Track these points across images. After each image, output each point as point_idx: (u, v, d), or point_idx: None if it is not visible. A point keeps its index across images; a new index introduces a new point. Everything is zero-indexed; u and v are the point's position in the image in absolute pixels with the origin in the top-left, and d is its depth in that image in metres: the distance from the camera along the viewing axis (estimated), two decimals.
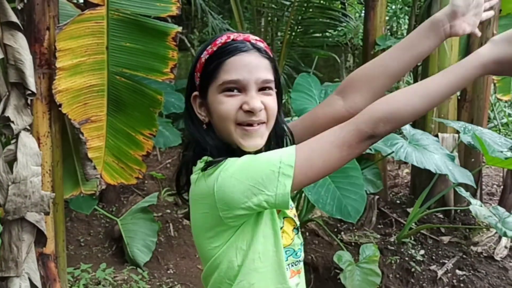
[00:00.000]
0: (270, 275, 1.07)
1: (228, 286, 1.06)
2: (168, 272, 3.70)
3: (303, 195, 3.44)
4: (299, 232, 1.15)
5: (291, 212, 1.13)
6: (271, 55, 1.07)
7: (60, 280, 2.25)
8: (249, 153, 1.04)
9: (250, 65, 1.01)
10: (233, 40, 1.03)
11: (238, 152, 1.05)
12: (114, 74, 2.20)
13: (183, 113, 5.35)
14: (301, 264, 1.15)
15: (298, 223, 1.14)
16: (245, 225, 1.03)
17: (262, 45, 1.06)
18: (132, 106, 2.26)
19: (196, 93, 1.08)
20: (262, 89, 1.04)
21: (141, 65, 2.20)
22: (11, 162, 1.64)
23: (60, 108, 2.08)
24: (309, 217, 3.84)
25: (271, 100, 1.05)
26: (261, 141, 1.05)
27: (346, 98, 1.15)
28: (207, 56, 1.04)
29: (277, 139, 1.12)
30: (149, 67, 2.20)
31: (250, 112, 1.01)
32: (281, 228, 1.08)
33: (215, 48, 1.03)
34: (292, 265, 1.12)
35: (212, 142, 1.06)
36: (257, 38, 1.07)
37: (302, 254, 1.15)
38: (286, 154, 0.97)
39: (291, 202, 1.07)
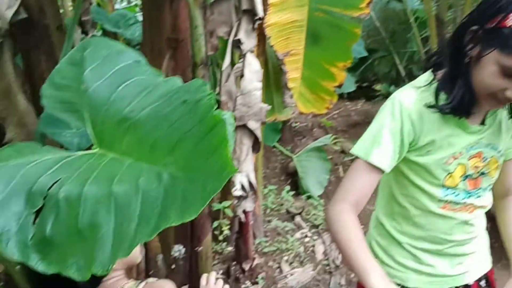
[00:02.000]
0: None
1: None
2: None
3: None
4: (467, 181, 1.22)
5: (471, 160, 1.20)
6: None
7: (258, 190, 2.66)
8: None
9: None
10: None
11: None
12: (314, 10, 2.44)
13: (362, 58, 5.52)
14: (466, 207, 1.24)
15: (470, 173, 1.21)
16: None
17: None
18: (328, 39, 2.48)
19: (476, 28, 1.05)
20: None
21: (339, 1, 2.40)
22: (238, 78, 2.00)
23: (268, 41, 2.40)
24: None
25: None
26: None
27: None
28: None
29: None
30: (346, 2, 2.38)
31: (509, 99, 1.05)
32: (450, 173, 1.19)
33: None
34: (450, 203, 1.23)
35: (457, 70, 1.09)
36: None
37: (470, 201, 1.24)
38: None
39: (476, 151, 1.19)
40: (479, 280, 1.36)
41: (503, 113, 1.21)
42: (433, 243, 1.28)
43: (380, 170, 1.14)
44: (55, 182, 0.90)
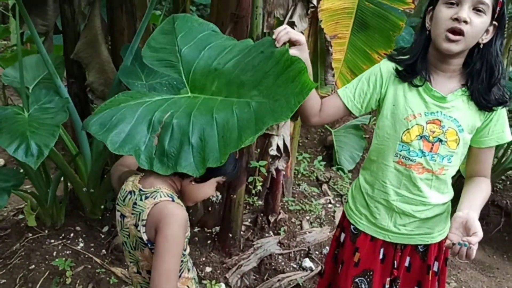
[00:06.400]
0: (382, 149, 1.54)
1: None
2: None
3: None
4: (422, 141, 1.46)
5: (429, 125, 1.45)
6: None
7: (292, 155, 2.99)
8: None
9: None
10: None
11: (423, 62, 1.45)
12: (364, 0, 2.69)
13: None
14: (414, 163, 1.49)
15: (426, 134, 1.46)
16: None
17: None
18: (373, 28, 2.72)
19: (431, 7, 1.42)
20: (475, 9, 1.31)
21: None
22: None
23: (320, 24, 2.68)
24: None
25: (478, 20, 1.31)
26: (455, 48, 1.35)
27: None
28: None
29: (486, 66, 1.40)
30: None
31: (456, 20, 1.30)
32: (408, 129, 1.47)
33: None
34: (403, 158, 1.50)
35: (418, 41, 1.45)
36: None
37: (421, 160, 1.48)
38: None
39: (435, 117, 1.44)
40: (417, 245, 1.59)
41: (469, 100, 1.45)
42: (383, 192, 1.56)
43: (341, 100, 1.57)
44: (167, 115, 1.23)
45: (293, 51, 1.31)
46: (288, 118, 1.13)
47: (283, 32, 1.32)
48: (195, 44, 1.46)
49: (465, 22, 1.31)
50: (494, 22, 1.36)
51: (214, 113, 1.20)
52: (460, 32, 1.32)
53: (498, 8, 1.34)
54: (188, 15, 1.56)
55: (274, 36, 1.31)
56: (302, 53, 1.36)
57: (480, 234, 1.24)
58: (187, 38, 1.47)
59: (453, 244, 1.24)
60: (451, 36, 1.33)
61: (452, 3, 1.34)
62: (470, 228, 1.25)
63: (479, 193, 1.46)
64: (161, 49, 1.46)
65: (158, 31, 1.52)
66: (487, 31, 1.37)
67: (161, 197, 1.23)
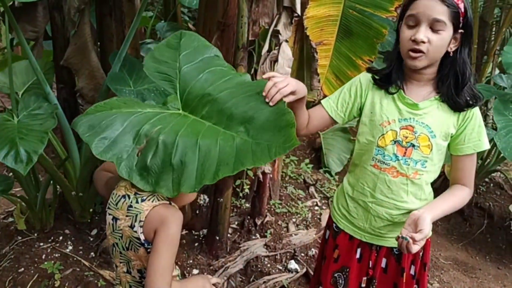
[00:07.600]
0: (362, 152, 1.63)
1: None
2: None
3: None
4: (396, 146, 1.53)
5: (402, 130, 1.53)
6: (456, 6, 1.37)
7: (278, 158, 3.04)
8: None
9: (427, 7, 1.38)
10: None
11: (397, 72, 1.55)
12: (348, 7, 2.74)
13: None
14: (388, 167, 1.56)
15: (399, 139, 1.53)
16: None
17: None
18: (357, 35, 2.78)
19: (401, 22, 1.50)
20: (432, 27, 1.39)
21: (371, 2, 2.69)
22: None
23: (305, 31, 2.74)
24: (496, 167, 3.97)
25: (436, 38, 1.39)
26: (419, 64, 1.44)
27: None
28: None
29: (453, 72, 1.47)
30: (378, 4, 2.67)
31: (414, 41, 1.40)
32: (383, 134, 1.54)
33: None
34: (378, 162, 1.58)
35: (393, 52, 1.55)
36: None
37: (395, 164, 1.54)
38: None
39: (408, 123, 1.52)
40: (393, 248, 1.66)
41: (443, 105, 1.52)
42: (361, 194, 1.64)
43: (325, 110, 1.64)
44: (155, 129, 1.24)
45: (291, 98, 1.34)
46: (264, 164, 1.17)
47: (274, 90, 1.28)
48: (196, 65, 1.47)
49: (423, 42, 1.39)
50: (460, 31, 1.43)
51: (200, 139, 1.23)
52: (420, 51, 1.41)
53: (461, 18, 1.40)
54: (196, 34, 1.57)
55: (264, 94, 1.28)
56: (298, 96, 1.39)
57: (425, 232, 1.34)
58: (190, 58, 1.48)
59: (398, 237, 1.35)
60: (413, 54, 1.43)
61: (411, 25, 1.43)
62: (418, 226, 1.36)
63: (448, 199, 1.54)
64: (163, 62, 1.48)
65: (163, 43, 1.53)
66: (455, 39, 1.44)
67: (158, 200, 1.30)
